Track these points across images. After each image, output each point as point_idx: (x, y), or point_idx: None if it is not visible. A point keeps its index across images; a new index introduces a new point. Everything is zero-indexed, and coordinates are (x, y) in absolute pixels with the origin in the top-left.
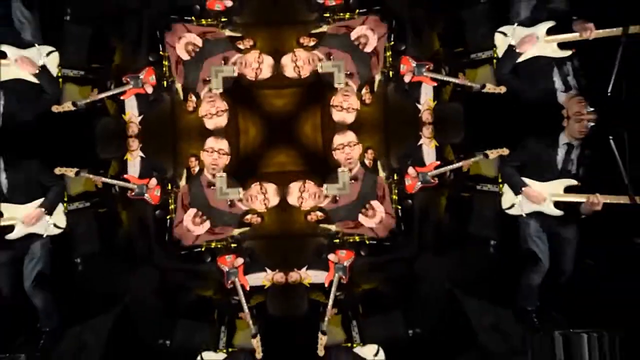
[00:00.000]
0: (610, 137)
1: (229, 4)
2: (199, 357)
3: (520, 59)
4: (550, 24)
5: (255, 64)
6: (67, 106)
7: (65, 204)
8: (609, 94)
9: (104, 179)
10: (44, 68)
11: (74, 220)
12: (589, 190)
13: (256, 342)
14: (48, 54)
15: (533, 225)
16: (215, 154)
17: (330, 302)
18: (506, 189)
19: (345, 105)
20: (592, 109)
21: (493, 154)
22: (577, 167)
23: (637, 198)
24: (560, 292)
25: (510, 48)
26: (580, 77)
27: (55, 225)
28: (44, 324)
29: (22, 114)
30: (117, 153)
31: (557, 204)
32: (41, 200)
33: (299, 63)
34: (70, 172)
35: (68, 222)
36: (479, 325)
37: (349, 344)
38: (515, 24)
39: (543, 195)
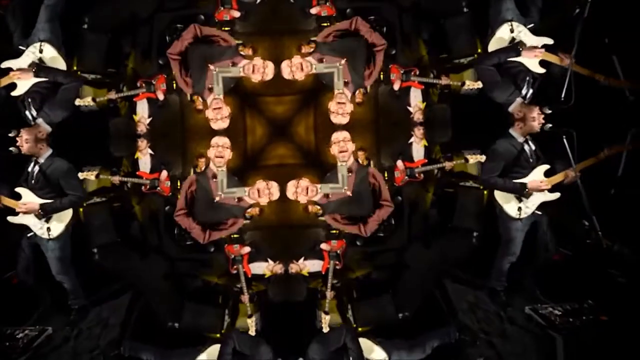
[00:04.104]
0: (564, 136)
1: (236, 14)
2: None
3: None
4: (549, 41)
5: (262, 69)
6: (88, 101)
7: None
8: (562, 99)
9: (120, 178)
10: (38, 65)
11: (91, 214)
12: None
13: (251, 322)
14: (41, 50)
15: (524, 220)
16: (219, 148)
17: (329, 286)
18: (503, 200)
19: (341, 112)
20: (546, 112)
21: (472, 159)
22: (537, 155)
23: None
24: (539, 271)
25: (517, 44)
26: (537, 90)
27: (47, 230)
28: (74, 302)
29: (53, 113)
30: (128, 151)
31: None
32: (49, 201)
33: (293, 68)
34: (91, 175)
35: (86, 218)
36: (459, 306)
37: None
38: (527, 26)
39: (542, 182)
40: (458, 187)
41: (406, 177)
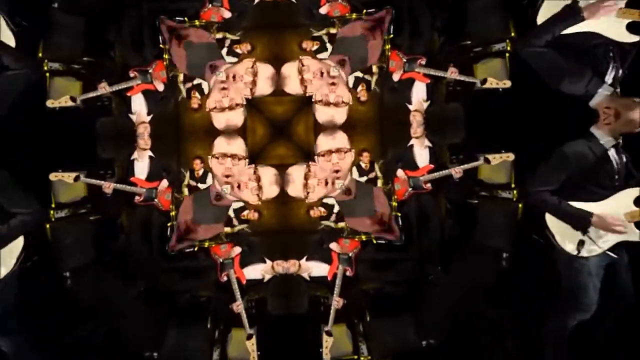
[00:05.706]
0: None
1: (227, 15)
2: None
3: (568, 31)
4: None
5: (249, 77)
6: (65, 100)
7: (52, 212)
8: None
9: (106, 184)
10: None
11: (61, 231)
12: None
13: (251, 345)
14: None
15: (593, 260)
16: (228, 161)
17: (335, 298)
18: (559, 229)
19: (333, 99)
20: None
21: (495, 159)
22: (628, 168)
23: None
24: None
25: (575, 7)
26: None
27: None
28: None
29: None
30: (120, 154)
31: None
32: None
33: (306, 75)
34: (68, 177)
35: (54, 237)
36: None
37: (356, 356)
38: None
39: (619, 219)
40: (482, 198)
41: (410, 189)
